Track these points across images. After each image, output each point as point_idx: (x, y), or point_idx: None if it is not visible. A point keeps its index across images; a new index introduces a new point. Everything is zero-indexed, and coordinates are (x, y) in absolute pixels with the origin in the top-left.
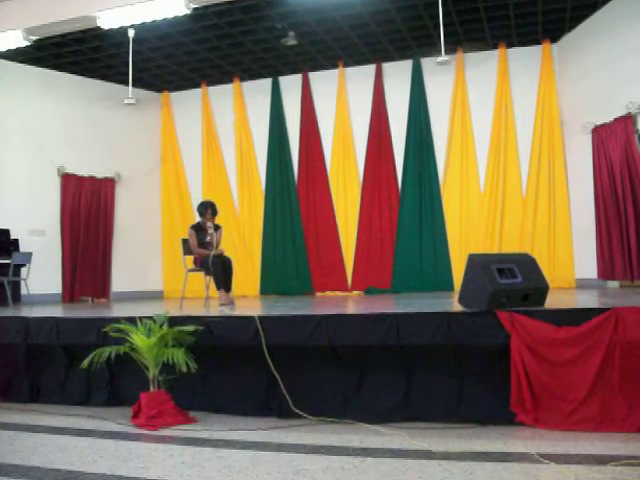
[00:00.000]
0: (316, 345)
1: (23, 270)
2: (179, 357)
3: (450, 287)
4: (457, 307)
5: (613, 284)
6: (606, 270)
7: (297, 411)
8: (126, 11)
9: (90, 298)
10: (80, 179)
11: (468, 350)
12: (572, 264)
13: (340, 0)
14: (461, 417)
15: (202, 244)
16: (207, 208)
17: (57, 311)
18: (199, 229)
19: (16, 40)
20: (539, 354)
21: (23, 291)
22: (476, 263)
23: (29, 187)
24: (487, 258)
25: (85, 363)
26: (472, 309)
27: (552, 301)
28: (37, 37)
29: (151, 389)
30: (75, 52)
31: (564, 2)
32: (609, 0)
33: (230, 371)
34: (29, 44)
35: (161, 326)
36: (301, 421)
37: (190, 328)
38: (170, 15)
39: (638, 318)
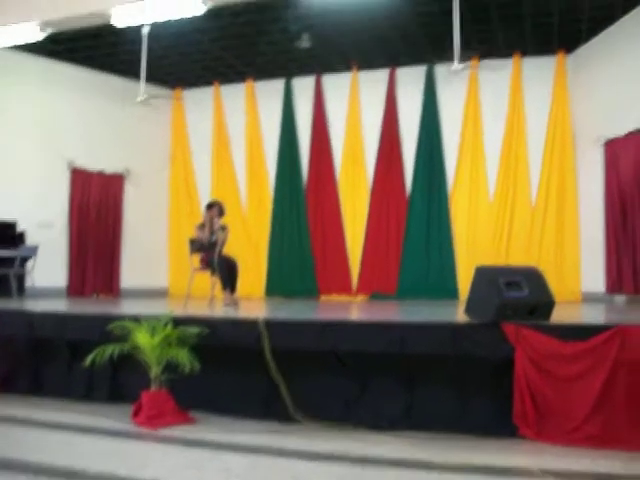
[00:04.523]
0: (319, 351)
1: (29, 263)
2: (183, 357)
3: (455, 295)
4: (462, 317)
5: (620, 298)
6: (614, 284)
7: (298, 416)
8: (141, 10)
9: (96, 294)
10: (89, 174)
11: (472, 361)
12: (579, 277)
13: (355, 3)
14: (463, 428)
15: (209, 243)
16: (214, 207)
17: (62, 305)
18: (204, 227)
19: (32, 33)
20: (543, 368)
21: (27, 283)
22: (484, 275)
23: (39, 180)
24: (495, 270)
25: (88, 361)
26: (478, 321)
27: (558, 315)
28: (51, 30)
29: (152, 388)
30: (90, 47)
31: (581, 13)
32: (626, 13)
33: (232, 373)
34: (44, 37)
35: (165, 326)
36: (302, 426)
37: (194, 330)
38: (185, 15)
39: None
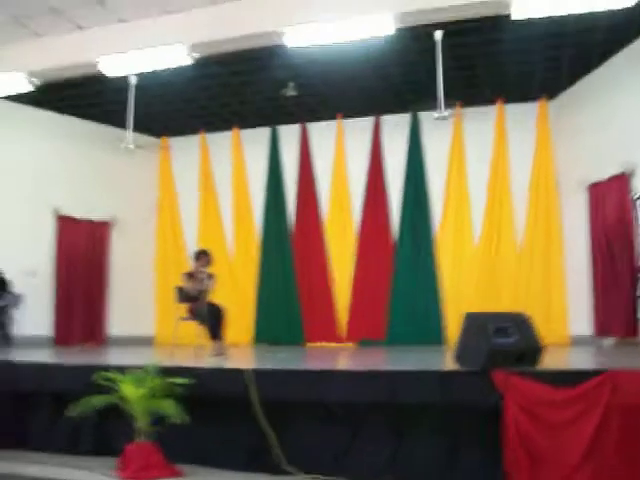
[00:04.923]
0: (308, 401)
1: (14, 312)
2: (170, 409)
3: (442, 341)
4: (451, 364)
5: (608, 341)
6: (602, 327)
7: (287, 468)
8: (128, 59)
9: (82, 343)
10: (76, 221)
11: (461, 410)
12: (566, 320)
13: (340, 53)
14: (453, 478)
15: (197, 293)
16: (202, 257)
17: (47, 355)
18: (192, 276)
19: (20, 84)
20: (534, 415)
21: (13, 332)
22: (471, 321)
23: (24, 228)
24: (483, 317)
25: (73, 412)
26: (467, 368)
27: (547, 360)
28: (39, 81)
29: (138, 440)
30: (76, 96)
31: (562, 60)
32: (605, 60)
33: (220, 424)
34: (31, 89)
35: (151, 377)
36: (292, 478)
37: (181, 381)
38: (173, 65)
39: (634, 382)
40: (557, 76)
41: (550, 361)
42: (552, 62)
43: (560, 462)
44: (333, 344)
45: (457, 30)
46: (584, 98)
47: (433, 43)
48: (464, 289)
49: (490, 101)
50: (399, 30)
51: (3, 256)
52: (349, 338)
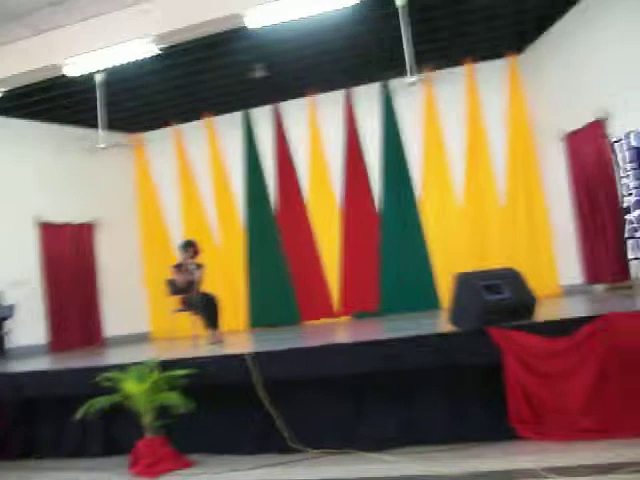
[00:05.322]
0: (309, 378)
1: (7, 323)
2: (174, 400)
3: (437, 305)
4: (446, 327)
5: (599, 287)
6: (591, 274)
7: (297, 445)
8: (92, 57)
9: (79, 347)
10: (58, 227)
11: (463, 370)
12: (555, 271)
13: (305, 28)
14: (462, 437)
15: (187, 284)
16: (188, 247)
17: (46, 363)
18: (181, 267)
19: None
20: (534, 367)
21: (8, 344)
22: (462, 282)
23: (6, 238)
24: (473, 276)
25: (79, 414)
26: (463, 328)
27: (541, 312)
28: (4, 89)
29: (147, 435)
30: (43, 100)
31: (525, 14)
32: (571, 7)
33: (225, 410)
34: None
35: (152, 371)
36: (302, 455)
37: (182, 372)
38: (138, 58)
39: (629, 324)
40: (524, 29)
41: (544, 313)
42: (518, 16)
43: (564, 410)
44: (329, 319)
45: None
46: (553, 48)
47: (397, 9)
48: (452, 250)
49: (459, 62)
50: None
51: None
52: (343, 312)
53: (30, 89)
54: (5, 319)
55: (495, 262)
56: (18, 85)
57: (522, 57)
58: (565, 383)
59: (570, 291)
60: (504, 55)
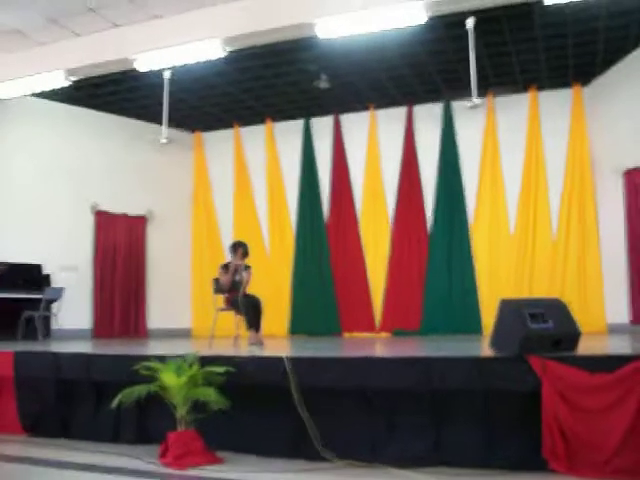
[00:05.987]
0: (345, 388)
1: (54, 305)
2: (211, 395)
3: (479, 330)
4: (487, 351)
5: None
6: (639, 314)
7: (325, 454)
8: (163, 54)
9: (121, 335)
10: (113, 216)
11: (499, 395)
12: (603, 308)
13: (371, 43)
14: (492, 463)
15: (232, 283)
16: (238, 248)
17: (88, 347)
18: (228, 268)
19: (56, 81)
20: (571, 401)
21: (53, 326)
22: (507, 308)
23: (63, 223)
24: (519, 303)
25: (115, 402)
26: (503, 354)
27: (584, 347)
28: (76, 78)
29: (179, 428)
30: (111, 92)
31: (595, 45)
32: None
33: (258, 411)
34: (68, 84)
35: (191, 366)
36: (330, 465)
37: (220, 369)
38: (206, 58)
39: None
40: (590, 62)
41: (587, 347)
42: (585, 47)
43: (599, 447)
44: (369, 334)
45: (489, 17)
46: (619, 83)
47: (465, 31)
48: (499, 277)
49: (523, 89)
50: (431, 19)
51: (44, 251)
52: (384, 328)
53: (100, 81)
54: (53, 301)
55: (541, 293)
56: (89, 76)
57: (587, 89)
58: (602, 420)
59: (616, 330)
60: (569, 85)
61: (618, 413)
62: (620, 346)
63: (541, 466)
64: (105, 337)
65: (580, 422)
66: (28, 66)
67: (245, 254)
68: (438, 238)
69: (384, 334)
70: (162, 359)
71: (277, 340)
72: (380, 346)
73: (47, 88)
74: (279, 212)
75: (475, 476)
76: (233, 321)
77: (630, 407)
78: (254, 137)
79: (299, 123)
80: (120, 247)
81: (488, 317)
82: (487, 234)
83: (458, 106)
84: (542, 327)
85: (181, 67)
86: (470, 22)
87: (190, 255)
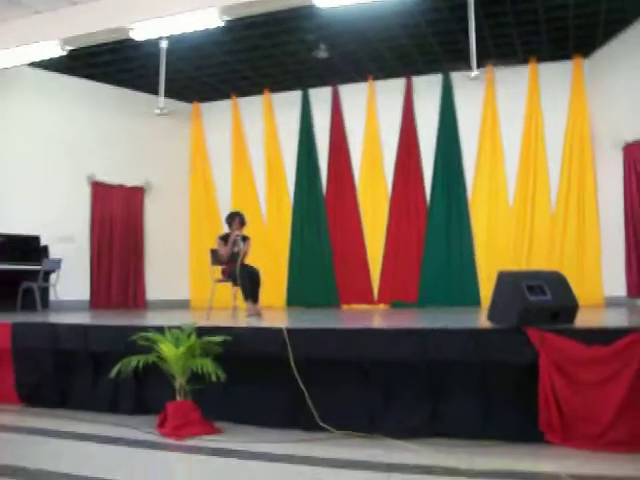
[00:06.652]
0: (343, 359)
1: (52, 276)
2: (208, 366)
3: (477, 302)
4: (485, 323)
5: None
6: (635, 287)
7: (323, 425)
8: (159, 23)
9: (119, 306)
10: (110, 187)
11: (496, 367)
12: (600, 281)
13: (371, 13)
14: (489, 434)
15: (231, 255)
16: (235, 218)
17: (86, 318)
18: (227, 239)
19: (52, 50)
20: (568, 373)
21: (51, 297)
22: (506, 280)
23: (60, 194)
24: (517, 275)
25: (113, 372)
26: (501, 326)
27: (582, 319)
28: (72, 47)
29: (177, 398)
30: (108, 62)
31: (596, 17)
32: None
33: (256, 382)
34: (64, 54)
35: (189, 336)
36: (327, 435)
37: (218, 339)
38: (203, 28)
39: None
40: (592, 33)
41: (585, 320)
42: (586, 18)
43: (594, 420)
44: (367, 306)
45: None
46: (620, 55)
47: (465, 1)
48: (497, 250)
49: (523, 60)
50: None
51: (41, 222)
52: (381, 300)
53: (95, 50)
54: (51, 272)
55: (540, 266)
56: (85, 45)
57: (588, 61)
58: (597, 392)
59: (613, 303)
60: (569, 58)
61: (613, 386)
62: (617, 319)
63: (538, 438)
64: (103, 308)
65: (576, 394)
66: (24, 35)
67: (242, 223)
68: (436, 210)
69: (382, 306)
70: (160, 330)
71: (275, 311)
72: (378, 318)
73: (43, 57)
74: (277, 183)
75: (472, 447)
76: (231, 292)
77: (625, 380)
78: (252, 108)
79: (297, 94)
80: (117, 218)
81: (486, 289)
82: (486, 206)
83: (457, 77)
84: (540, 299)
85: (178, 37)
86: None
87: (188, 226)
